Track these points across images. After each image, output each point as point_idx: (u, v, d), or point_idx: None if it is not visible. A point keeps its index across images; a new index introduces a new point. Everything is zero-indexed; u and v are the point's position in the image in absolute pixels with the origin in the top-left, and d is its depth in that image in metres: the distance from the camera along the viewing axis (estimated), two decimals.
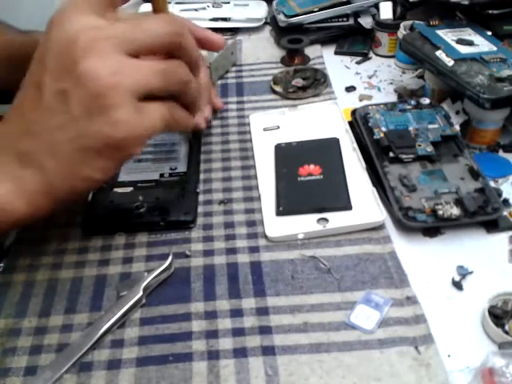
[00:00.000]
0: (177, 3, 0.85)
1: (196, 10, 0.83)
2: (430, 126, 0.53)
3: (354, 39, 0.76)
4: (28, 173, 0.36)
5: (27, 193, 0.36)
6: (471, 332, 0.38)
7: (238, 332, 0.39)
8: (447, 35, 0.60)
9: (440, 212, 0.44)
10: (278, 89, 0.65)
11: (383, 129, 0.53)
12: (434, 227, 0.46)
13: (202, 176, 0.53)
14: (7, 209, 0.36)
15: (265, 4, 0.84)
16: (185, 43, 0.36)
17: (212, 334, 0.39)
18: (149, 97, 0.35)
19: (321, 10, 0.74)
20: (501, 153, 0.54)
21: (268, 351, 0.37)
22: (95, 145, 0.35)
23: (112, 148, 0.35)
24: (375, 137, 0.52)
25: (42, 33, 0.35)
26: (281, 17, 0.75)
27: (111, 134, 0.34)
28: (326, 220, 0.46)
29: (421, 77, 0.65)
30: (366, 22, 0.75)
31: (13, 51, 0.53)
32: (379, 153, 0.51)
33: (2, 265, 0.45)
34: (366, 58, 0.73)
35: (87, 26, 0.33)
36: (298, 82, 0.65)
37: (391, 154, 0.50)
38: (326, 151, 0.53)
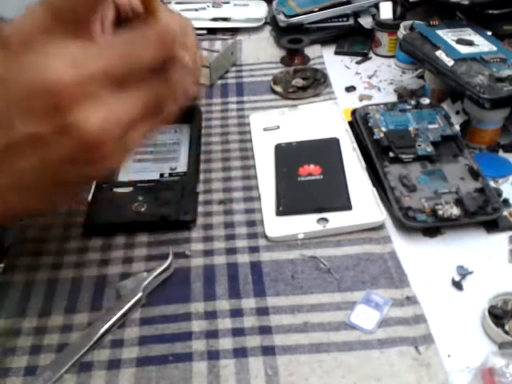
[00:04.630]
0: (177, 3, 0.85)
1: (196, 10, 0.83)
2: (430, 126, 0.53)
3: (354, 39, 0.76)
4: None
5: None
6: (471, 332, 0.38)
7: (237, 332, 0.39)
8: (447, 35, 0.60)
9: (440, 212, 0.44)
10: (278, 89, 0.65)
11: (383, 129, 0.53)
12: (434, 227, 0.46)
13: (202, 176, 0.53)
14: None
15: (265, 4, 0.84)
16: (175, 58, 0.33)
17: (212, 334, 0.39)
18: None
19: (321, 9, 0.74)
20: (501, 153, 0.54)
21: (268, 351, 0.37)
22: (74, 182, 0.33)
23: (90, 180, 0.35)
24: (375, 137, 0.52)
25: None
26: (281, 17, 0.75)
27: (95, 175, 0.32)
28: (326, 220, 0.46)
29: (421, 77, 0.65)
30: (366, 22, 0.75)
31: None
32: (379, 153, 0.51)
33: (2, 265, 0.45)
34: (366, 58, 0.73)
35: (70, 62, 0.29)
36: (298, 81, 0.65)
37: (391, 154, 0.50)
38: (326, 151, 0.53)
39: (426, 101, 0.56)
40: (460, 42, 0.58)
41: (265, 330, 0.39)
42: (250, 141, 0.58)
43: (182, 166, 0.53)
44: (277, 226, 0.46)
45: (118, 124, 0.30)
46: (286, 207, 0.48)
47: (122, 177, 0.52)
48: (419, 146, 0.51)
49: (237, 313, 0.40)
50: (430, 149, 0.50)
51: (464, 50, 0.57)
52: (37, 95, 0.28)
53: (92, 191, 0.50)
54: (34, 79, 0.28)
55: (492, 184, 0.49)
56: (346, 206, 0.47)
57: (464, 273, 0.42)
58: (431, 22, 0.63)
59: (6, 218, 0.34)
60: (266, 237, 0.46)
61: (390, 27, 0.71)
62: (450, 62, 0.55)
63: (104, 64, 0.29)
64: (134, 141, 0.33)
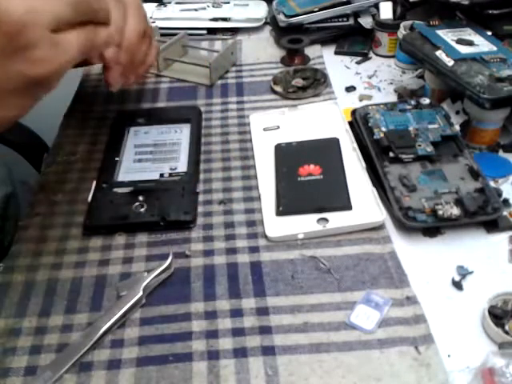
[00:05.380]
0: (177, 3, 0.85)
1: (196, 10, 0.83)
2: (430, 126, 0.53)
3: (354, 39, 0.76)
4: None
5: None
6: (471, 332, 0.38)
7: (238, 332, 0.39)
8: (447, 35, 0.60)
9: (440, 212, 0.44)
10: (278, 89, 0.65)
11: (383, 129, 0.53)
12: (434, 227, 0.46)
13: (201, 176, 0.53)
14: None
15: (265, 4, 0.84)
16: None
17: (212, 334, 0.39)
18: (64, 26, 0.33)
19: (321, 9, 0.74)
20: (501, 153, 0.54)
21: (268, 351, 0.37)
22: (12, 85, 0.33)
23: (30, 86, 0.33)
24: (375, 137, 0.52)
25: None
26: (281, 17, 0.75)
27: (30, 72, 0.32)
28: (325, 220, 0.46)
29: (421, 77, 0.65)
30: (366, 22, 0.75)
31: None
32: (379, 153, 0.51)
33: (2, 265, 0.45)
34: (366, 58, 0.73)
35: None
36: (298, 81, 0.65)
37: (391, 154, 0.50)
38: (326, 151, 0.53)
39: (426, 101, 0.56)
40: (460, 42, 0.58)
41: (265, 330, 0.39)
42: (250, 141, 0.58)
43: (182, 166, 0.53)
44: (277, 225, 0.46)
45: (43, 14, 0.31)
46: (286, 207, 0.48)
47: (122, 177, 0.52)
48: (419, 145, 0.51)
49: (237, 313, 0.40)
50: (430, 149, 0.50)
51: (464, 49, 0.57)
52: None
53: (92, 191, 0.50)
54: None
55: (492, 184, 0.49)
56: (346, 206, 0.47)
57: (464, 273, 0.42)
58: (431, 22, 0.63)
59: None
60: (266, 237, 0.46)
61: (390, 27, 0.71)
62: (450, 62, 0.55)
63: None
64: (70, 44, 0.33)
